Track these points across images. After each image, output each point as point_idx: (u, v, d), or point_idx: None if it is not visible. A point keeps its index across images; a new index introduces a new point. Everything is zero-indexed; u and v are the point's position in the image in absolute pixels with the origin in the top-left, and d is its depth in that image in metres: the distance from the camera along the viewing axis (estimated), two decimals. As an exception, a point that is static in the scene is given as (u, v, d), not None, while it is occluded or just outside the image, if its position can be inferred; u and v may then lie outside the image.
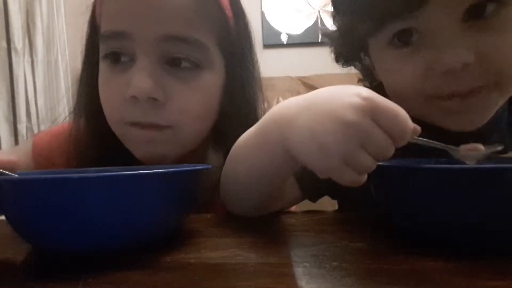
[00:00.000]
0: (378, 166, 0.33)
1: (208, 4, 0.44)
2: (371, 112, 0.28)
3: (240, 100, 0.50)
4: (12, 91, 1.90)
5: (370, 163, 0.29)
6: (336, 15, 0.45)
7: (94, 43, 0.49)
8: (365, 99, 0.28)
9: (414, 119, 0.30)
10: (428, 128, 0.32)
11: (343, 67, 0.50)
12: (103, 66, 0.46)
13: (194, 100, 0.45)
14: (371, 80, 0.50)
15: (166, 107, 0.43)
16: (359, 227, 0.39)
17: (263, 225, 0.40)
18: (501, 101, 0.39)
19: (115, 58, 0.44)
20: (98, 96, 0.47)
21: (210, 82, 0.47)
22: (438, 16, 0.35)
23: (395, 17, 0.37)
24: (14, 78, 1.90)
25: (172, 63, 0.44)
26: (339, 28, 0.46)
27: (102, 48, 0.45)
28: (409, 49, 0.39)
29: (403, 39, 0.38)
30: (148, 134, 0.44)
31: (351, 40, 0.45)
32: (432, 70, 0.37)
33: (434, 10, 0.35)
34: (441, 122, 0.41)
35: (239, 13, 0.49)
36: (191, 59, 0.44)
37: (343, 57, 0.49)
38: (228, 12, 0.47)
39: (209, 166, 0.36)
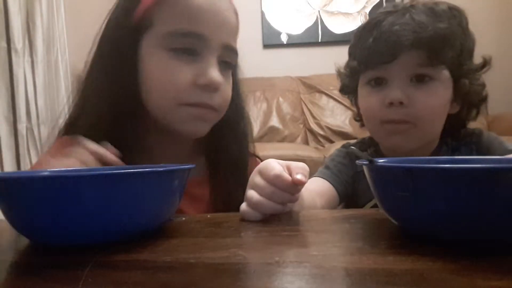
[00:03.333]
0: (379, 166, 0.33)
1: (238, 22, 0.60)
2: (259, 170, 0.44)
3: (238, 91, 0.65)
4: (12, 91, 1.90)
5: (267, 204, 0.42)
6: (349, 59, 0.70)
7: (128, 31, 0.55)
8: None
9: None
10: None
11: (344, 96, 0.76)
12: (166, 56, 0.54)
13: (230, 91, 0.60)
14: (357, 109, 0.76)
15: (219, 95, 0.57)
16: (359, 227, 0.39)
17: (263, 225, 0.40)
18: (420, 139, 0.62)
19: (185, 52, 0.54)
20: (127, 79, 0.55)
21: (231, 79, 0.62)
22: (397, 72, 0.61)
23: (375, 65, 0.62)
24: (14, 78, 1.90)
25: (221, 64, 0.57)
26: (348, 67, 0.70)
27: (168, 41, 0.53)
28: (377, 89, 0.63)
29: (375, 82, 0.64)
30: (200, 112, 0.56)
31: (353, 76, 0.69)
32: (384, 102, 0.61)
33: (396, 68, 0.60)
34: (386, 142, 0.67)
35: None
36: (232, 62, 0.59)
37: (345, 88, 0.73)
38: None
39: (193, 166, 0.40)
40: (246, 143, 0.65)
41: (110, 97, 0.55)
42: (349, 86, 0.72)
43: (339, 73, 0.74)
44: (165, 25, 0.53)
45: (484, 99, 0.65)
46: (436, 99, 0.60)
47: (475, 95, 0.64)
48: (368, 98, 0.65)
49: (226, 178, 0.62)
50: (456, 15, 0.61)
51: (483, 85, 0.64)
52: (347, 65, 0.70)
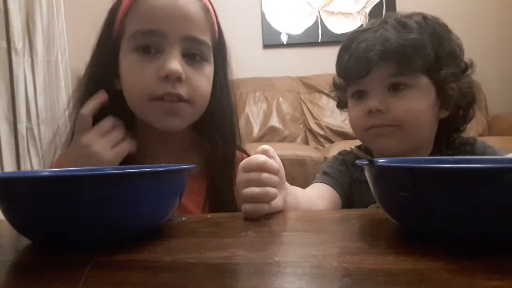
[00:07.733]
0: (379, 166, 0.33)
1: (210, 17, 0.63)
2: (243, 168, 0.46)
3: (224, 88, 0.68)
4: (12, 91, 1.90)
5: (258, 192, 0.44)
6: (335, 76, 0.76)
7: (111, 41, 0.61)
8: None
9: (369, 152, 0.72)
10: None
11: (341, 111, 0.81)
12: (133, 57, 0.59)
13: (202, 82, 0.62)
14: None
15: (186, 85, 0.59)
16: (359, 227, 0.39)
17: (263, 225, 0.40)
18: (406, 141, 0.65)
19: (145, 49, 0.58)
20: (112, 81, 0.61)
21: (210, 72, 0.64)
22: (373, 84, 0.65)
23: (354, 80, 0.68)
24: (14, 78, 1.90)
25: (188, 56, 0.60)
26: (335, 83, 0.78)
27: (133, 42, 0.59)
28: (359, 101, 0.68)
29: (358, 95, 0.69)
30: (169, 105, 0.58)
31: (341, 91, 0.76)
32: (365, 112, 0.66)
33: (372, 80, 0.65)
34: (373, 146, 0.69)
35: (220, 28, 0.67)
36: (201, 54, 0.61)
37: (340, 103, 0.79)
38: (217, 25, 0.66)
39: (193, 166, 0.40)
40: (234, 139, 0.68)
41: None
42: (342, 100, 0.77)
43: (332, 89, 0.81)
44: (131, 30, 0.59)
45: (471, 102, 0.68)
46: (415, 103, 0.64)
47: (461, 98, 0.65)
48: (352, 109, 0.71)
49: (215, 172, 0.65)
50: (430, 24, 0.64)
51: (471, 88, 0.67)
52: (334, 82, 0.77)
